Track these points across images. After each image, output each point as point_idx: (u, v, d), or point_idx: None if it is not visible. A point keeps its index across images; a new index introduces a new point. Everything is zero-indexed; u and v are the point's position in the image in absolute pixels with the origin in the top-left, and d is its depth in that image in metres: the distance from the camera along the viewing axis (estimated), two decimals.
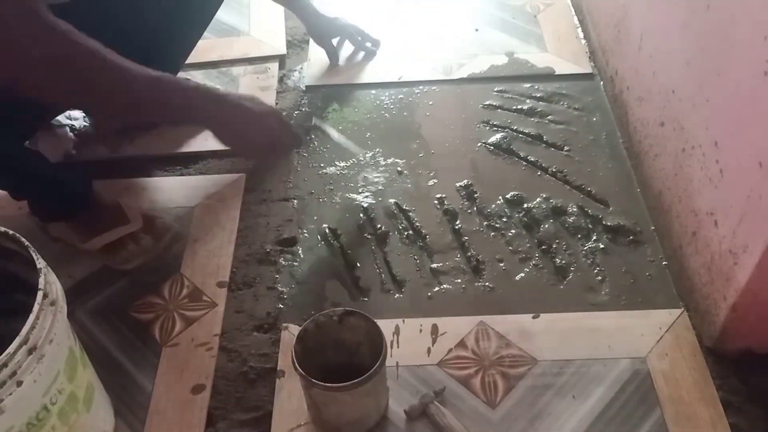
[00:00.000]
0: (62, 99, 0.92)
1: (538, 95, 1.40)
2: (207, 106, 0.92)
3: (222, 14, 1.34)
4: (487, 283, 1.08)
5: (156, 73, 0.86)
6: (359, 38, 1.51)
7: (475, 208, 1.19)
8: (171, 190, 1.23)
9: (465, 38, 1.56)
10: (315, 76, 1.48)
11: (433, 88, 1.43)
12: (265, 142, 0.99)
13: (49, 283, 0.71)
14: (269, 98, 1.41)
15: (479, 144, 1.31)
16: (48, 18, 0.77)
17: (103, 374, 0.90)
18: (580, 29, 1.57)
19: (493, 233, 1.16)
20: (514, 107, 1.38)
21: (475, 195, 1.21)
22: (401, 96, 1.42)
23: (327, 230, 1.17)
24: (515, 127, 1.34)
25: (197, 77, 1.42)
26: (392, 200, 1.21)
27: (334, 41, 1.49)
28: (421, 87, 1.44)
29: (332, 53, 1.48)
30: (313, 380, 0.80)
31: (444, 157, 1.29)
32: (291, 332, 1.02)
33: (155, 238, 1.11)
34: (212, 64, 1.49)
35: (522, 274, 1.09)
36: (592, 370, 0.96)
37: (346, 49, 1.53)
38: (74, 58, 0.79)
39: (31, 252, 0.73)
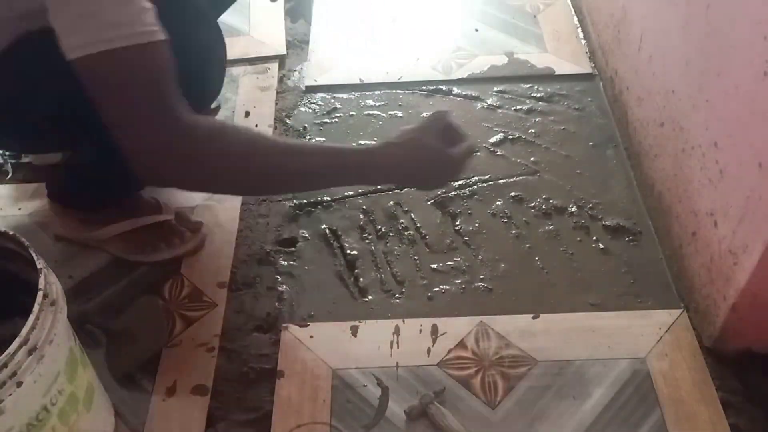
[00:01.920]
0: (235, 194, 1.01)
1: (538, 95, 1.40)
2: (377, 171, 0.90)
3: (222, 15, 1.34)
4: (487, 283, 1.08)
5: (321, 148, 0.88)
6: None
7: (475, 208, 1.19)
8: (171, 191, 1.23)
9: (465, 38, 1.56)
10: (315, 77, 1.48)
11: (433, 88, 1.43)
12: (441, 177, 0.97)
13: (49, 283, 0.71)
14: (269, 98, 1.41)
15: (479, 144, 1.31)
16: (188, 122, 0.76)
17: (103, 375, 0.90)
18: (579, 29, 1.57)
19: (493, 233, 1.16)
20: (514, 107, 1.38)
21: (475, 195, 1.21)
22: (401, 96, 1.42)
23: (327, 230, 1.17)
24: (515, 127, 1.34)
25: None
26: (392, 201, 1.21)
27: None
28: (421, 87, 1.44)
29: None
30: None
31: None
32: (291, 332, 1.02)
33: (183, 236, 1.12)
34: None
35: (522, 274, 1.09)
36: (592, 371, 0.96)
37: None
38: (226, 166, 0.79)
39: (31, 252, 0.73)
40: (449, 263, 1.11)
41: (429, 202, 1.21)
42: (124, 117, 0.75)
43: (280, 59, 1.51)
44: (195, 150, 0.77)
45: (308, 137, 1.34)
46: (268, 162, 0.82)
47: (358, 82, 1.46)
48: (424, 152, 0.90)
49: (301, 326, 1.03)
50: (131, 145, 0.75)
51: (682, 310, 1.03)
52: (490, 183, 1.23)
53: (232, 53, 1.49)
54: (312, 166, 0.85)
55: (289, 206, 1.21)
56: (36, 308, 0.68)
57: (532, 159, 1.27)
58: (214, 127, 0.80)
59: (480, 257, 1.12)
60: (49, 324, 0.69)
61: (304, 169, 0.84)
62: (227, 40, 1.00)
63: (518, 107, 1.38)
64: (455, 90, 1.43)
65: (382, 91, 1.44)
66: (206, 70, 0.96)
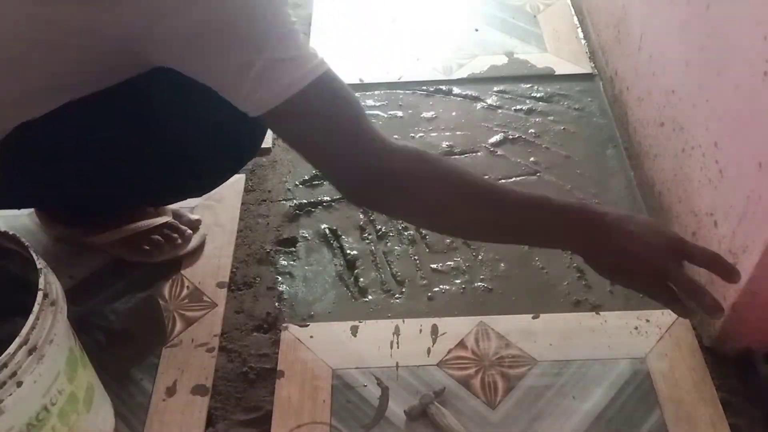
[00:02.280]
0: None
1: (538, 95, 1.40)
2: (580, 235, 0.78)
3: None
4: (486, 283, 1.08)
5: (534, 196, 0.79)
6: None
7: None
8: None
9: (465, 38, 1.56)
10: None
11: (433, 88, 1.43)
12: (647, 275, 0.77)
13: (49, 283, 0.71)
14: None
15: (479, 144, 1.31)
16: (387, 145, 0.75)
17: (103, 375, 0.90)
18: (579, 29, 1.57)
19: None
20: (514, 107, 1.38)
21: None
22: (401, 96, 1.42)
23: (327, 230, 1.17)
24: (515, 127, 1.34)
25: None
26: None
27: None
28: (421, 87, 1.44)
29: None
30: None
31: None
32: (291, 332, 1.02)
33: (184, 234, 1.12)
34: None
35: (522, 274, 1.09)
36: (592, 371, 0.96)
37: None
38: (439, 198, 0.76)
39: (31, 252, 0.73)
40: (449, 263, 1.11)
41: None
42: (329, 152, 0.74)
43: None
44: (401, 178, 0.74)
45: None
46: (468, 196, 0.77)
47: (358, 81, 1.46)
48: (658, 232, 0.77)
49: (301, 326, 1.03)
50: (341, 173, 0.76)
51: None
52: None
53: None
54: (525, 195, 0.79)
55: (289, 206, 1.21)
56: (36, 308, 0.68)
57: (532, 159, 1.27)
58: (415, 153, 0.77)
59: (480, 257, 1.12)
60: (49, 324, 0.69)
61: (521, 196, 0.79)
62: None
63: (518, 107, 1.38)
64: (455, 90, 1.43)
65: (382, 91, 1.44)
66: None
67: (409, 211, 0.80)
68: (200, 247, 1.13)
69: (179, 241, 1.11)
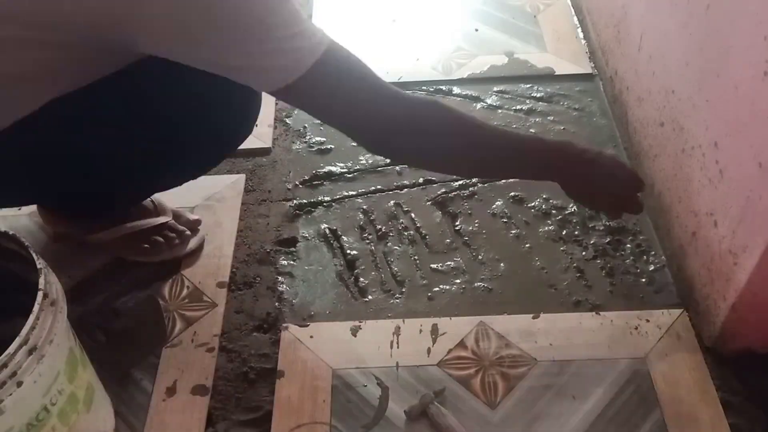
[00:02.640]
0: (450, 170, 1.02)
1: (538, 95, 1.40)
2: (559, 166, 0.92)
3: None
4: (486, 283, 1.08)
5: (530, 138, 0.96)
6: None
7: (475, 209, 1.19)
8: (171, 191, 1.23)
9: (465, 38, 1.56)
10: None
11: (433, 88, 1.43)
12: (610, 202, 0.98)
13: (49, 283, 0.71)
14: (269, 98, 1.41)
15: None
16: (405, 96, 0.83)
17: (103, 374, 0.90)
18: (579, 29, 1.57)
19: (493, 233, 1.16)
20: (514, 107, 1.38)
21: (475, 195, 1.22)
22: None
23: (327, 230, 1.17)
24: (515, 128, 1.34)
25: None
26: (392, 201, 1.21)
27: None
28: (421, 87, 1.44)
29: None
30: None
31: None
32: (291, 332, 1.02)
33: (183, 235, 1.12)
34: None
35: (522, 274, 1.09)
36: (592, 371, 0.96)
37: None
38: (442, 140, 0.85)
39: (31, 252, 0.73)
40: (449, 263, 1.11)
41: (428, 203, 1.21)
42: (357, 109, 0.80)
43: None
44: (416, 121, 0.83)
45: (308, 137, 1.34)
46: (476, 138, 0.87)
47: None
48: (612, 162, 0.95)
49: (301, 326, 1.03)
50: (368, 125, 0.82)
51: (682, 310, 1.03)
52: (491, 183, 1.23)
53: None
54: (514, 136, 0.93)
55: (289, 206, 1.21)
56: (36, 308, 0.68)
57: None
58: (429, 101, 0.87)
59: (480, 257, 1.12)
60: (49, 324, 0.69)
61: (510, 137, 0.92)
62: None
63: (518, 107, 1.38)
64: (455, 90, 1.43)
65: None
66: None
67: (429, 152, 0.87)
68: (198, 248, 1.13)
69: (177, 241, 1.11)
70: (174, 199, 1.19)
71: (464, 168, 0.95)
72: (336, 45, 0.77)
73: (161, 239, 1.10)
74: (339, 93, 0.79)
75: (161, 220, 1.10)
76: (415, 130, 0.83)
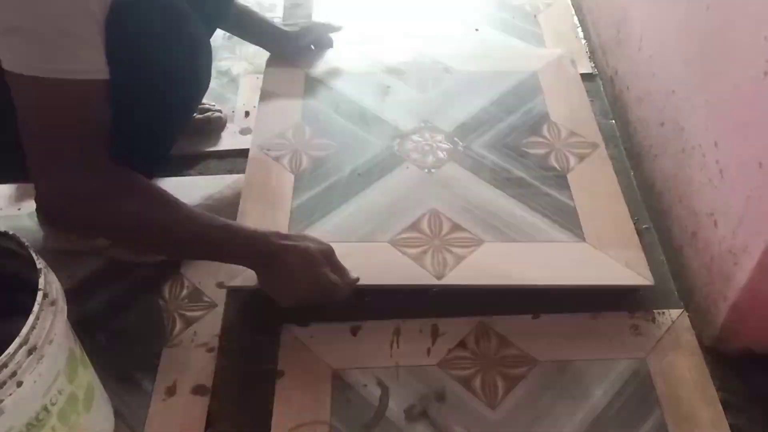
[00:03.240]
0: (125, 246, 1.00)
1: None
2: (258, 259, 0.93)
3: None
4: None
5: (219, 222, 0.89)
6: (325, 35, 1.43)
7: None
8: (171, 191, 1.22)
9: (465, 38, 1.56)
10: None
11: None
12: (306, 298, 0.96)
13: (49, 283, 0.71)
14: None
15: None
16: (106, 170, 0.78)
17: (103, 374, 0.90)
18: (579, 29, 1.57)
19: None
20: None
21: None
22: None
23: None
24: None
25: None
26: None
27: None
28: None
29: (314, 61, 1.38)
30: None
31: None
32: (291, 332, 1.02)
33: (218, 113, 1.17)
34: None
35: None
36: (592, 371, 0.96)
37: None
38: (133, 224, 0.82)
39: (31, 252, 0.73)
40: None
41: None
42: (39, 149, 0.74)
43: None
44: (107, 199, 0.78)
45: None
46: (172, 228, 0.85)
47: None
48: (307, 256, 0.92)
49: (301, 326, 1.03)
50: (45, 179, 0.76)
51: (682, 310, 1.03)
52: None
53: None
54: (213, 222, 0.89)
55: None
56: (36, 308, 0.68)
57: None
58: (133, 182, 0.81)
59: None
60: (49, 324, 0.69)
61: (210, 223, 0.88)
62: None
63: None
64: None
65: None
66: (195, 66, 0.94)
67: (109, 225, 0.84)
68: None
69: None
70: None
71: (146, 245, 0.95)
72: (97, 90, 0.74)
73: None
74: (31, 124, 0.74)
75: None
76: (104, 202, 0.79)
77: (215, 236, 0.88)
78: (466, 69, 1.38)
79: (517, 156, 1.21)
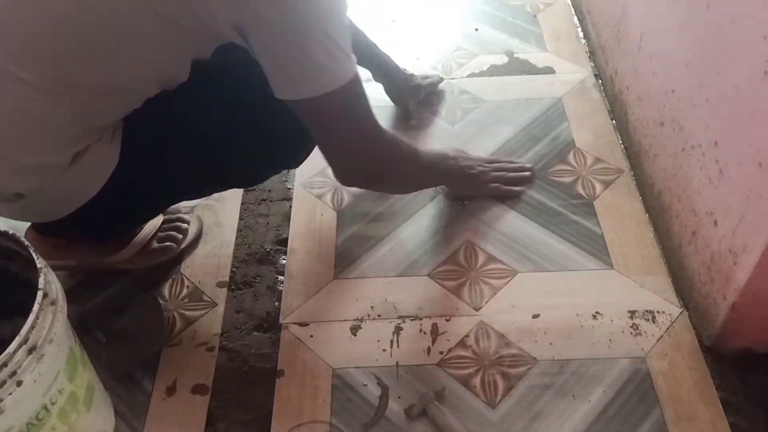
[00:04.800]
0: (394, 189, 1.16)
1: None
2: (451, 175, 1.15)
3: None
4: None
5: (429, 153, 1.13)
6: (433, 96, 1.41)
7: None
8: None
9: (465, 38, 1.56)
10: None
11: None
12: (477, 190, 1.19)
13: (49, 282, 0.71)
14: None
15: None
16: (389, 137, 0.97)
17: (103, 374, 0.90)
18: (579, 29, 1.57)
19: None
20: None
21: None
22: None
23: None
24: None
25: None
26: None
27: (411, 102, 1.37)
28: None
29: (409, 114, 1.36)
30: None
31: None
32: (291, 332, 1.02)
33: (180, 228, 1.14)
34: None
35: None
36: (592, 370, 0.96)
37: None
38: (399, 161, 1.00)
39: (31, 252, 0.73)
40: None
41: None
42: (342, 144, 0.89)
43: None
44: (393, 160, 0.98)
45: None
46: (420, 170, 1.06)
47: None
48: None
49: (301, 326, 1.03)
50: (350, 157, 0.92)
51: (682, 309, 1.03)
52: None
53: None
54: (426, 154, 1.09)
55: (289, 206, 1.21)
56: (36, 308, 0.68)
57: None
58: (398, 140, 0.99)
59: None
60: (49, 323, 0.69)
61: (425, 157, 1.08)
62: None
63: None
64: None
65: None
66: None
67: (394, 182, 1.06)
68: (199, 234, 1.15)
69: (183, 224, 1.13)
70: None
71: (412, 187, 1.14)
72: (359, 77, 0.83)
73: (165, 239, 1.11)
74: (348, 121, 0.86)
75: (159, 220, 1.11)
76: (387, 167, 0.97)
77: (435, 172, 1.12)
78: (493, 99, 1.38)
79: (546, 185, 1.21)
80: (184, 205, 1.17)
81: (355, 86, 0.83)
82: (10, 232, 0.76)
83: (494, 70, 1.46)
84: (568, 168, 1.24)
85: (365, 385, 0.95)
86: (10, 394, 0.65)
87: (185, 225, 1.14)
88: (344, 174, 0.96)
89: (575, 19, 1.60)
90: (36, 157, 0.83)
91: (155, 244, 1.10)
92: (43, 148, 0.83)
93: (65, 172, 0.86)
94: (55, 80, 0.77)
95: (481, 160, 1.19)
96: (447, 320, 1.02)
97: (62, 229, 0.98)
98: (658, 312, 1.02)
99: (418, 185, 1.14)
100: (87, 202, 0.89)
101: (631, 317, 1.02)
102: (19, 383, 0.66)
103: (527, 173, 1.21)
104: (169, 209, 1.14)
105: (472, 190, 1.19)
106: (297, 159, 1.05)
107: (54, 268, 0.75)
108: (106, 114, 0.85)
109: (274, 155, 0.99)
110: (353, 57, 0.81)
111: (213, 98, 0.88)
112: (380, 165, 0.96)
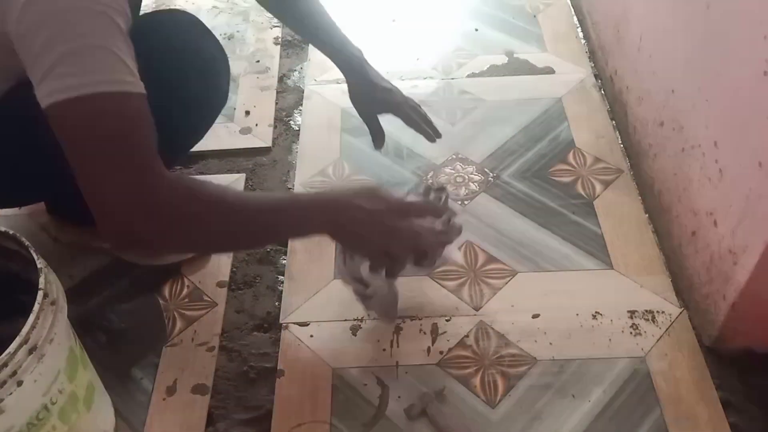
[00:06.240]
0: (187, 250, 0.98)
1: None
2: (323, 218, 0.83)
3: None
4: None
5: (274, 198, 0.89)
6: (415, 118, 1.19)
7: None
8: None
9: (465, 38, 1.56)
10: (315, 76, 1.48)
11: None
12: (384, 243, 0.85)
13: (50, 282, 0.71)
14: (269, 98, 1.42)
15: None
16: (166, 180, 0.72)
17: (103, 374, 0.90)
18: (579, 29, 1.57)
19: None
20: None
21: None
22: None
23: None
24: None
25: None
26: None
27: (382, 118, 1.20)
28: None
29: (377, 134, 1.21)
30: None
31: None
32: (291, 332, 1.02)
33: None
34: None
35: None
36: (592, 370, 0.96)
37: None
38: (202, 216, 0.75)
39: (31, 252, 0.73)
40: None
41: None
42: (92, 172, 0.69)
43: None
44: (174, 210, 0.72)
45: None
46: (240, 217, 0.78)
47: None
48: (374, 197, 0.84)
49: (301, 326, 1.03)
50: (102, 201, 0.70)
51: (682, 309, 1.03)
52: None
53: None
54: (268, 200, 0.85)
55: None
56: (36, 308, 0.68)
57: None
58: (189, 185, 0.77)
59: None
60: (50, 323, 0.69)
61: (263, 204, 0.82)
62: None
63: None
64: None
65: None
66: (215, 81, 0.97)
67: (184, 239, 0.79)
68: None
69: None
70: None
71: (223, 246, 0.90)
72: (140, 99, 0.69)
73: None
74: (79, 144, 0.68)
75: None
76: (174, 218, 0.73)
77: (290, 213, 0.83)
78: (493, 99, 1.38)
79: (546, 185, 1.21)
80: None
81: (125, 105, 0.68)
82: (11, 232, 0.76)
83: (494, 71, 1.47)
84: (568, 168, 1.24)
85: (365, 385, 0.95)
86: (11, 394, 0.65)
87: None
88: (114, 231, 0.73)
89: (575, 19, 1.60)
90: None
91: None
92: None
93: None
94: None
95: (396, 206, 0.86)
96: (447, 320, 1.02)
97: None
98: (657, 312, 1.02)
99: (253, 238, 0.85)
100: None
101: (631, 317, 1.02)
102: (19, 383, 0.66)
103: (459, 225, 0.94)
104: None
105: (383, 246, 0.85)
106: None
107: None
108: None
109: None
110: (130, 80, 0.69)
111: None
112: (173, 215, 0.72)
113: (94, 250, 1.10)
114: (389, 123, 1.27)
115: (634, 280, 1.06)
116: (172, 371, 0.98)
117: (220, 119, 1.10)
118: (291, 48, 1.55)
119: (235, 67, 1.49)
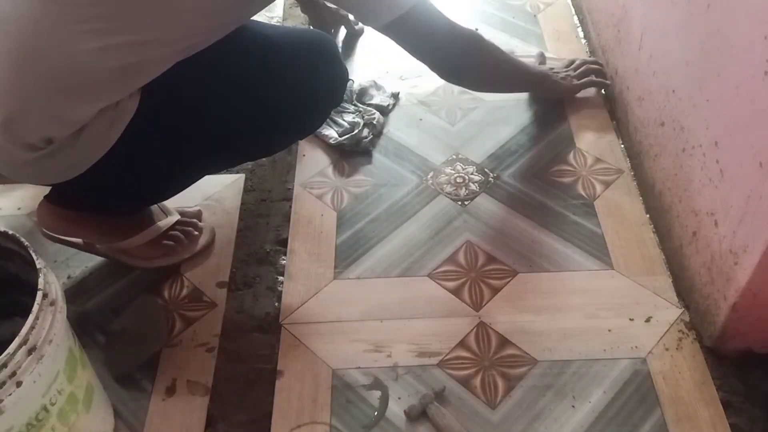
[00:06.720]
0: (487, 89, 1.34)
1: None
2: (542, 79, 1.33)
3: None
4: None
5: (524, 67, 1.28)
6: (353, 25, 1.59)
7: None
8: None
9: None
10: None
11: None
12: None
13: (49, 283, 0.71)
14: None
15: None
16: (465, 33, 1.13)
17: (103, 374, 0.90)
18: (580, 29, 1.57)
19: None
20: None
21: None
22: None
23: None
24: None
25: None
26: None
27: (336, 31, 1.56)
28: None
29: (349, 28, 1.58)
30: None
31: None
32: (291, 332, 1.02)
33: (197, 225, 1.13)
34: None
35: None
36: (592, 371, 0.96)
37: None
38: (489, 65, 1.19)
39: (31, 252, 0.73)
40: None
41: None
42: (433, 50, 1.08)
43: None
44: (476, 53, 1.14)
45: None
46: (507, 66, 1.22)
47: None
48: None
49: (301, 326, 1.03)
50: (442, 62, 1.11)
51: (682, 309, 1.02)
52: None
53: None
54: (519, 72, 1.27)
55: (289, 206, 1.21)
56: (35, 308, 0.68)
57: None
58: (478, 36, 1.17)
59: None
60: (49, 324, 0.69)
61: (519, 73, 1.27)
62: None
63: None
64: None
65: None
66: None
67: (479, 75, 1.19)
68: (210, 243, 1.14)
69: (195, 232, 1.12)
70: (174, 198, 1.18)
71: (501, 82, 1.27)
72: None
73: (180, 234, 1.10)
74: (430, 33, 1.04)
75: (175, 218, 1.11)
76: (477, 62, 1.15)
77: (523, 73, 1.28)
78: (493, 99, 1.39)
79: (546, 185, 1.21)
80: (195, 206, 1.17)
81: (424, 3, 1.01)
82: (10, 232, 0.76)
83: None
84: (568, 168, 1.24)
85: (365, 385, 0.95)
86: (10, 394, 0.65)
87: (196, 232, 1.13)
88: (442, 72, 1.13)
89: (575, 19, 1.60)
90: (81, 107, 0.84)
91: (164, 241, 1.09)
92: (92, 99, 0.84)
93: (92, 120, 0.85)
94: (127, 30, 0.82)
95: (560, 66, 1.38)
96: (447, 320, 1.02)
97: (75, 198, 0.98)
98: (658, 312, 1.02)
99: (509, 83, 1.28)
100: (103, 160, 0.88)
101: (632, 318, 1.01)
102: (18, 384, 0.66)
103: (600, 66, 1.39)
104: (185, 213, 1.14)
105: (566, 93, 1.35)
106: (305, 127, 1.11)
107: (65, 243, 0.73)
108: (154, 67, 0.86)
109: (285, 123, 1.01)
110: None
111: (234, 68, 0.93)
112: (467, 58, 1.11)
113: (75, 246, 1.09)
114: (391, 125, 1.27)
115: (634, 281, 1.06)
116: (171, 372, 0.98)
117: None
118: None
119: None
